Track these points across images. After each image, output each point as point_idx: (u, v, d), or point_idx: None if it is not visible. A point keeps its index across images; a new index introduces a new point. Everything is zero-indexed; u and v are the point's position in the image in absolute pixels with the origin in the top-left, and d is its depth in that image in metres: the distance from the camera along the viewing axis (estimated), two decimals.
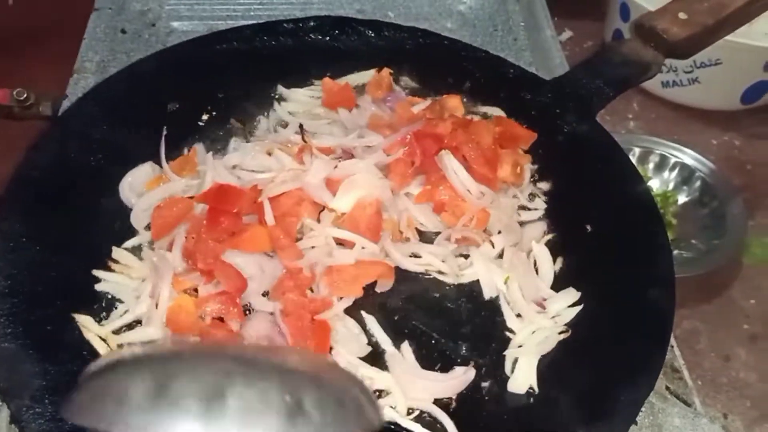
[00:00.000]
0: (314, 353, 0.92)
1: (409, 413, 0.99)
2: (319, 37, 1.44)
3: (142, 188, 1.22)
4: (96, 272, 1.10)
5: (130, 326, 1.07)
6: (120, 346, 1.04)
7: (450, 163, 1.15)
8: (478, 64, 1.39)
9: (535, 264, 1.15)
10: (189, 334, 1.03)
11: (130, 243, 1.16)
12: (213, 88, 1.37)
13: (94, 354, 1.03)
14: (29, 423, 0.93)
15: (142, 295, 1.07)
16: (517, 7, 1.77)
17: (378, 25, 1.44)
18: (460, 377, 1.01)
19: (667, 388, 1.25)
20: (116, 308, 1.08)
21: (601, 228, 1.17)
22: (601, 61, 1.35)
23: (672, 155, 1.68)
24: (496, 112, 1.35)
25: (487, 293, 1.11)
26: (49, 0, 1.83)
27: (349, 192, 1.13)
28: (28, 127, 1.54)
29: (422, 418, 0.99)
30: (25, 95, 1.57)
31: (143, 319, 1.06)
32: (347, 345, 1.02)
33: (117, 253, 1.13)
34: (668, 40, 1.32)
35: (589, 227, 1.18)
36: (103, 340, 1.04)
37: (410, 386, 0.99)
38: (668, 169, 1.68)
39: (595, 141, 1.26)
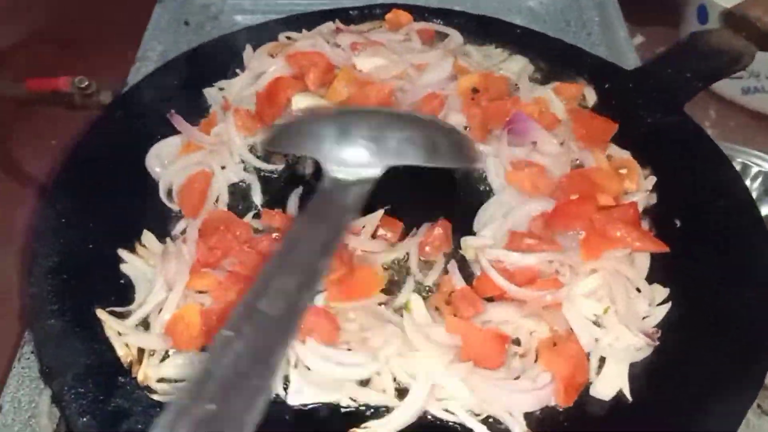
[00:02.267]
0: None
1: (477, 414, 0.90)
2: None
3: (171, 159, 1.18)
4: (120, 252, 1.05)
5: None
6: (142, 351, 0.95)
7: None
8: (553, 52, 1.32)
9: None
10: (187, 349, 0.95)
11: (178, 228, 1.10)
12: None
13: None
14: (70, 403, 0.88)
15: (154, 289, 0.99)
16: (590, 2, 1.69)
17: (449, 13, 1.39)
18: (546, 387, 0.89)
19: (759, 406, 1.13)
20: (134, 298, 1.02)
21: (692, 224, 1.07)
22: (687, 51, 1.27)
23: (754, 164, 1.56)
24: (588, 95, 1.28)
25: (585, 345, 0.94)
26: None
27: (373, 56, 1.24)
28: (90, 117, 1.53)
29: (489, 422, 0.90)
30: (86, 83, 1.56)
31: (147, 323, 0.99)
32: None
33: (146, 237, 1.07)
34: (762, 28, 1.23)
35: (678, 222, 1.07)
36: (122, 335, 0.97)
37: (489, 398, 0.89)
38: (750, 178, 1.56)
39: (684, 133, 1.17)
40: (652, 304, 0.98)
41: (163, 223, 1.10)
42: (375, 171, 0.88)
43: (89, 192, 1.11)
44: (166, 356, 0.95)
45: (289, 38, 1.34)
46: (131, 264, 1.04)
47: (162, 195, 1.14)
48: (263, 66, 1.27)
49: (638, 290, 0.99)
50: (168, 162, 1.17)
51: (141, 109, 1.22)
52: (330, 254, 0.80)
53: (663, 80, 1.23)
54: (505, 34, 1.36)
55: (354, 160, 0.87)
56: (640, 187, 1.11)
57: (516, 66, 1.33)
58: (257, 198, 1.15)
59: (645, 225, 1.07)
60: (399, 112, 1.05)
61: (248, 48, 1.32)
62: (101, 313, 0.97)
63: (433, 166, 0.99)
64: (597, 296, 0.97)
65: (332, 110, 1.03)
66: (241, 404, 0.61)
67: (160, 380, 0.93)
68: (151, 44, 1.60)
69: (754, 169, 1.55)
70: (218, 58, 1.31)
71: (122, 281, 1.03)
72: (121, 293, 1.02)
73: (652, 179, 1.13)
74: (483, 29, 1.37)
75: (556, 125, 1.19)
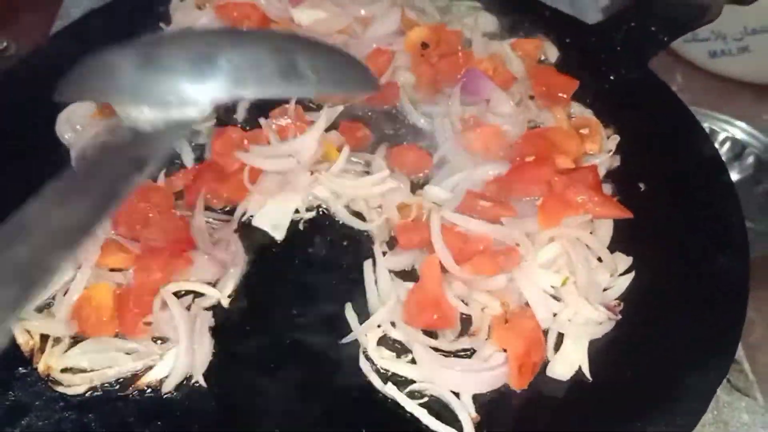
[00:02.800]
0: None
1: (416, 396, 0.81)
2: None
3: (84, 123, 1.05)
4: None
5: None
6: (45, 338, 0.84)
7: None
8: (510, 5, 1.22)
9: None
10: (96, 335, 0.84)
11: None
12: None
13: None
14: None
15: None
16: None
17: None
18: (499, 368, 0.80)
19: (728, 380, 1.07)
20: None
21: (657, 186, 0.99)
22: (653, 4, 1.18)
23: (722, 129, 1.50)
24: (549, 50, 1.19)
25: (542, 321, 0.86)
26: None
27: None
28: None
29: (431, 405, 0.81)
30: (5, 44, 1.42)
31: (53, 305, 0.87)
32: None
33: None
34: None
35: (642, 185, 0.99)
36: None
37: (437, 379, 0.80)
38: (717, 144, 1.49)
39: (649, 90, 1.09)
40: (614, 275, 0.90)
41: None
42: (196, 108, 0.61)
43: None
44: (74, 344, 0.84)
45: None
46: None
47: (74, 164, 1.02)
48: (190, 19, 1.15)
49: (599, 260, 0.91)
50: (81, 127, 1.05)
51: (49, 69, 1.08)
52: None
53: (627, 34, 1.15)
54: None
55: (162, 95, 0.60)
56: (602, 148, 1.03)
57: (477, 21, 1.23)
58: (188, 160, 1.04)
59: (608, 189, 0.99)
60: (240, 30, 0.79)
61: None
62: None
63: (295, 95, 0.82)
64: (555, 266, 0.88)
65: (152, 37, 0.72)
66: None
67: (65, 370, 0.82)
68: (75, 1, 1.46)
69: (722, 135, 1.50)
70: (142, 11, 1.18)
71: None
72: None
73: (615, 139, 1.04)
74: None
75: (512, 83, 1.10)
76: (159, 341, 0.84)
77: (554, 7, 1.23)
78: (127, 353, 0.83)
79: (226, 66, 0.60)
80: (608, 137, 1.05)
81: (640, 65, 1.12)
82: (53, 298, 0.87)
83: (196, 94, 0.60)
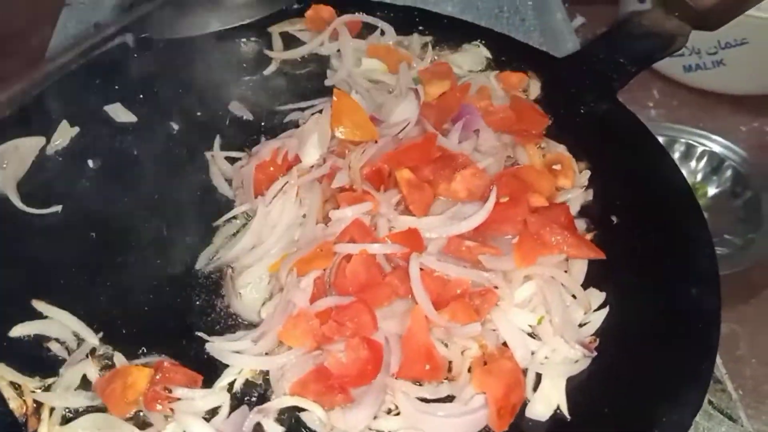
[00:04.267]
0: None
1: None
2: None
3: None
4: (36, 303, 0.94)
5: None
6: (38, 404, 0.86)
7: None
8: (481, 42, 1.25)
9: None
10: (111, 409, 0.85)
11: None
12: None
13: None
14: None
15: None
16: None
17: (371, 5, 1.32)
18: (480, 410, 0.82)
19: (710, 402, 1.09)
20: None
21: (629, 219, 1.01)
22: (620, 35, 1.21)
23: (699, 143, 1.53)
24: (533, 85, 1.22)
25: (521, 359, 0.88)
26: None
27: None
28: None
29: None
30: None
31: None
32: None
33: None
34: (694, 7, 1.18)
35: (614, 218, 1.02)
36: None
37: (420, 426, 0.82)
38: (695, 158, 1.53)
39: (618, 122, 1.12)
40: (588, 311, 0.93)
41: None
42: None
43: None
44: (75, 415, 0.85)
45: None
46: (50, 316, 0.95)
47: None
48: None
49: (573, 297, 0.93)
50: None
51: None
52: None
53: (595, 67, 1.18)
54: (431, 24, 1.29)
55: None
56: (575, 183, 1.06)
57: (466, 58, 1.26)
58: None
59: (581, 224, 1.01)
60: None
61: None
62: None
63: None
64: (531, 305, 0.91)
65: None
66: None
67: None
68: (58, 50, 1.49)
69: (699, 149, 1.52)
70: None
71: None
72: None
73: (587, 173, 1.07)
74: (408, 20, 1.30)
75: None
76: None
77: (525, 43, 1.26)
78: None
79: None
80: (581, 171, 1.08)
81: (609, 97, 1.14)
82: None
83: None
